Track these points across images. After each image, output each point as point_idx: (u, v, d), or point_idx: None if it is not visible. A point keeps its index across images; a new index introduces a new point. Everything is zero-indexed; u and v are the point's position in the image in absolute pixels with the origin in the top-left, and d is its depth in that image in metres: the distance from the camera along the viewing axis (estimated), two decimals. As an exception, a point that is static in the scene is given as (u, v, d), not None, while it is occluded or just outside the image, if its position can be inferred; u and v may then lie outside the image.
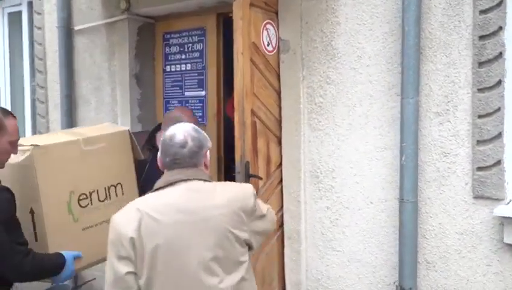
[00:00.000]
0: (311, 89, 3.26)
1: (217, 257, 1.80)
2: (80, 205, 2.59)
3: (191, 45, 4.06)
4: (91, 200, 2.63)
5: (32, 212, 2.39)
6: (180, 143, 1.91)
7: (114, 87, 4.32)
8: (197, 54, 4.03)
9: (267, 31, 3.23)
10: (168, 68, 4.20)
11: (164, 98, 4.24)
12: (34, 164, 2.38)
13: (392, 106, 2.97)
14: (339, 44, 3.14)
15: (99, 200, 2.68)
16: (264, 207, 2.06)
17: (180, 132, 1.94)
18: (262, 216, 2.01)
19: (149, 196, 1.89)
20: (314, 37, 3.23)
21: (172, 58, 4.17)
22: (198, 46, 4.01)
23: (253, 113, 3.12)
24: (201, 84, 4.01)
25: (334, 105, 3.18)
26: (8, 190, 2.19)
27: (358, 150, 3.10)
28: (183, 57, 4.10)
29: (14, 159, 2.34)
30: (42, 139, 2.55)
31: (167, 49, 4.20)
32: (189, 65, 4.08)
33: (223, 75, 3.95)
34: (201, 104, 4.01)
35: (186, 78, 4.10)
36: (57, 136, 2.76)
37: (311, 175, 3.27)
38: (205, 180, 1.93)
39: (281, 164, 3.36)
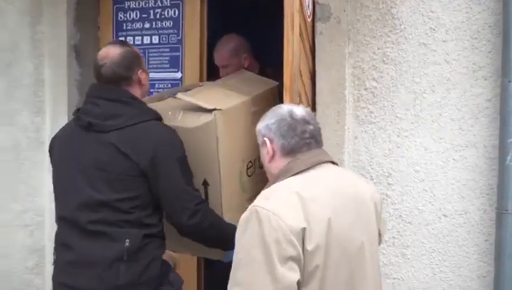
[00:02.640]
0: (360, 69, 2.51)
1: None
2: (247, 174, 2.32)
3: (159, 10, 3.04)
4: (255, 167, 2.35)
5: (205, 184, 2.17)
6: (303, 119, 1.63)
7: (39, 63, 3.09)
8: (168, 23, 3.03)
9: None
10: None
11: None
12: (216, 131, 2.09)
13: (477, 92, 2.35)
14: (402, 12, 2.45)
15: (260, 167, 2.22)
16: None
17: (295, 106, 1.70)
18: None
19: (297, 180, 1.55)
20: (366, 1, 2.49)
21: (130, 28, 3.11)
22: (172, 12, 3.02)
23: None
24: (175, 64, 3.01)
25: (393, 91, 2.47)
26: None
27: (427, 148, 2.43)
28: (147, 26, 3.07)
29: (185, 122, 2.12)
30: (213, 97, 2.23)
31: (121, 15, 3.12)
32: (156, 37, 3.06)
33: (207, 53, 3.02)
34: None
35: (151, 55, 3.07)
36: (221, 92, 2.37)
37: (358, 181, 2.51)
38: (337, 165, 1.71)
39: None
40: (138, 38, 3.09)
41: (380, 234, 1.75)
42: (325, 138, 2.45)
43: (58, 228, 2.06)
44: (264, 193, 1.54)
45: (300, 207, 1.45)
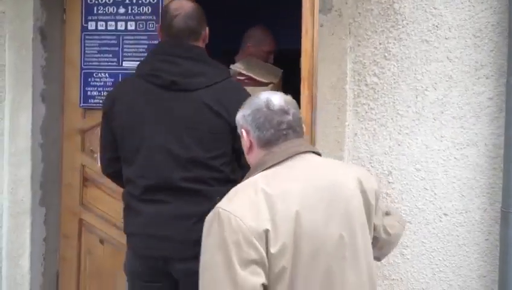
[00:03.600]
0: (361, 65, 2.44)
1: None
2: None
3: (136, -7, 2.81)
4: None
5: None
6: (281, 109, 1.53)
7: (-2, 46, 2.75)
8: (147, 9, 2.79)
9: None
10: (91, 25, 2.84)
11: (82, 69, 2.85)
12: None
13: (479, 90, 2.35)
14: (404, 8, 2.40)
15: None
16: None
17: (273, 95, 1.56)
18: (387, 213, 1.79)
19: (267, 175, 1.47)
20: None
21: (101, 12, 2.83)
22: (151, -3, 2.80)
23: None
24: (154, 52, 2.78)
25: (395, 88, 2.41)
26: None
27: (428, 146, 2.39)
28: (122, 11, 2.82)
29: None
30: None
31: (90, -3, 2.85)
32: (132, 24, 2.81)
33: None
34: (152, 81, 2.79)
35: (126, 42, 2.81)
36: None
37: (357, 180, 2.42)
38: (319, 155, 1.60)
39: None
40: (111, 23, 2.83)
41: (376, 227, 1.64)
42: (325, 135, 2.41)
43: (134, 187, 2.02)
44: (229, 193, 1.47)
45: (265, 206, 1.38)
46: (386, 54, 2.41)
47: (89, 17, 2.84)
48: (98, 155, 2.54)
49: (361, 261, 1.49)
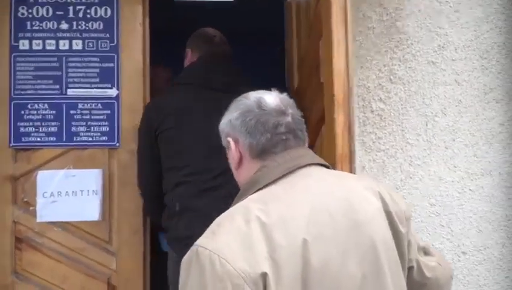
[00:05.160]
0: (365, 89, 2.16)
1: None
2: None
3: (83, 7, 2.28)
4: None
5: None
6: (277, 109, 1.19)
7: None
8: (97, 25, 2.28)
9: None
10: (23, 45, 2.26)
11: (12, 100, 2.24)
12: None
13: (490, 116, 2.19)
14: (408, 26, 2.18)
15: None
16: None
17: (266, 94, 1.22)
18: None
19: (263, 197, 1.11)
20: (368, 12, 2.17)
21: (37, 28, 2.26)
22: (102, 12, 2.29)
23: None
24: (108, 78, 2.27)
25: (402, 114, 2.17)
26: None
27: (442, 178, 2.16)
28: (65, 27, 2.27)
29: None
30: None
31: (22, 11, 2.27)
32: (78, 43, 2.28)
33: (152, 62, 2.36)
34: (107, 112, 2.27)
35: (71, 65, 2.26)
36: None
37: (368, 220, 2.12)
38: (328, 168, 1.23)
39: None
40: (51, 42, 2.27)
41: (414, 264, 1.22)
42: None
43: (189, 186, 2.03)
44: (212, 224, 1.10)
45: (261, 240, 1.02)
46: (392, 77, 2.17)
47: (20, 34, 2.26)
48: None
49: None
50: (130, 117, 2.27)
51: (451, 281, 1.33)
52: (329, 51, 1.71)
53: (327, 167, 1.22)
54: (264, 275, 0.98)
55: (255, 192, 1.12)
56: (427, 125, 2.17)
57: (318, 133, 1.93)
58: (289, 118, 1.19)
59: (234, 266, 0.97)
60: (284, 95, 1.24)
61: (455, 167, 2.17)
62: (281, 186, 1.12)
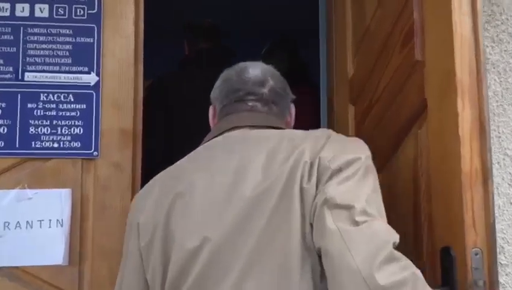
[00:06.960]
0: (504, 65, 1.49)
1: None
2: None
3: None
4: None
5: None
6: (256, 80, 1.27)
7: None
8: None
9: None
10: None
11: None
12: None
13: None
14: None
15: None
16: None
17: (255, 65, 1.31)
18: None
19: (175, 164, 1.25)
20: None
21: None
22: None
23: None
24: (84, 58, 1.61)
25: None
26: None
27: None
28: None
29: None
30: None
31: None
32: (43, 7, 1.61)
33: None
34: (82, 107, 1.59)
35: (32, 39, 1.60)
36: None
37: None
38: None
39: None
40: (3, 5, 1.60)
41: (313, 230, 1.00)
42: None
43: None
44: None
45: (147, 194, 1.20)
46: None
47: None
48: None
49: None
50: (114, 115, 1.60)
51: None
52: (439, 7, 1.06)
53: (278, 128, 1.21)
54: (137, 225, 1.15)
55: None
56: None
57: (403, 138, 1.28)
58: (265, 90, 1.26)
59: (131, 213, 1.22)
60: (269, 67, 1.32)
61: None
62: (190, 156, 1.21)
